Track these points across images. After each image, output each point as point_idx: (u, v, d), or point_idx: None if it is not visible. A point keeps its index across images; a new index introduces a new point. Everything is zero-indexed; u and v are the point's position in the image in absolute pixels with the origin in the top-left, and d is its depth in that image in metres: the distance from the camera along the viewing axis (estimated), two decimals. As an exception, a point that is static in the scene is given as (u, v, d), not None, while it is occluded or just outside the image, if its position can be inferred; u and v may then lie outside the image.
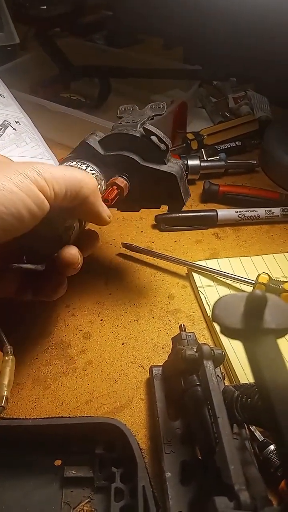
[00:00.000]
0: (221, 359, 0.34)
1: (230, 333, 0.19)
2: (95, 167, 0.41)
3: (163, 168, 0.41)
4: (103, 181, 0.41)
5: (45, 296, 0.38)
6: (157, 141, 0.40)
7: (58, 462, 0.33)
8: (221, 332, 0.20)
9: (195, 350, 0.35)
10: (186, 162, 0.64)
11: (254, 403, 0.31)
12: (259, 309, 0.19)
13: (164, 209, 0.48)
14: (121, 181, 0.41)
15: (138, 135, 0.41)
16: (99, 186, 0.40)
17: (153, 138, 0.40)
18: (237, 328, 0.19)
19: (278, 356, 0.19)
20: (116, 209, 0.48)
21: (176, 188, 0.42)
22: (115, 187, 0.40)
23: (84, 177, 0.34)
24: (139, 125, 0.41)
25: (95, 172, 0.41)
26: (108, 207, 0.38)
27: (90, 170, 0.40)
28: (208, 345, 0.34)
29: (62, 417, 0.33)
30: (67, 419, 0.33)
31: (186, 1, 0.94)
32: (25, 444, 0.33)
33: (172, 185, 0.42)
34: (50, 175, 0.31)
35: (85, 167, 0.40)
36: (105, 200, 0.39)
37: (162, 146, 0.40)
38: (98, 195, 0.36)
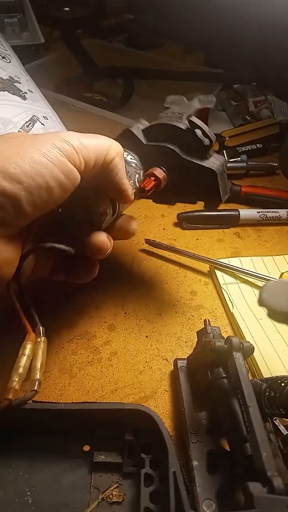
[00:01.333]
0: (250, 352, 0.34)
1: (279, 317, 0.20)
2: (135, 156, 0.41)
3: (205, 163, 0.40)
4: (141, 171, 0.41)
5: (77, 278, 0.39)
6: (201, 135, 0.39)
7: (86, 448, 0.33)
8: (269, 315, 0.20)
9: (223, 342, 0.35)
10: (208, 162, 0.64)
11: (285, 394, 0.31)
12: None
13: (199, 205, 0.47)
14: (159, 172, 0.41)
15: (183, 127, 0.40)
16: (137, 175, 0.40)
17: (197, 131, 0.40)
18: (285, 312, 0.20)
19: None
20: (152, 200, 0.48)
21: (215, 185, 0.41)
22: (153, 178, 0.40)
23: (110, 141, 0.34)
24: (184, 116, 0.41)
25: (135, 161, 0.40)
26: (144, 198, 0.39)
27: (131, 158, 0.40)
28: (237, 338, 0.34)
29: (93, 402, 0.34)
30: (98, 404, 0.33)
31: (206, 5, 0.96)
32: (56, 429, 0.33)
33: (211, 182, 0.41)
34: (78, 143, 0.30)
35: (126, 155, 0.40)
36: (141, 190, 0.39)
37: (206, 141, 0.39)
38: (123, 161, 0.35)
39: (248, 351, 0.34)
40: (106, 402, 0.34)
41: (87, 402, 0.34)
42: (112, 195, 0.36)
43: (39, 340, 0.32)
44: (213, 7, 0.94)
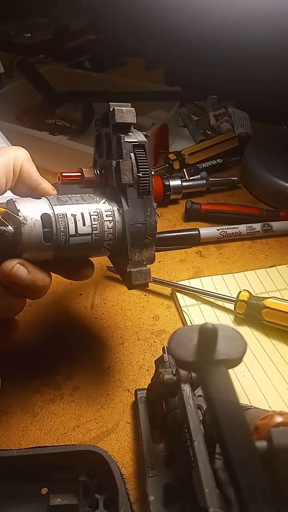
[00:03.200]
0: (198, 383, 0.35)
1: (185, 365, 0.20)
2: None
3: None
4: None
5: None
6: None
7: (44, 490, 0.34)
8: (176, 364, 0.21)
9: (174, 373, 0.36)
10: (168, 183, 0.65)
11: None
12: (211, 341, 0.20)
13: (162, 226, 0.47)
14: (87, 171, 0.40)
15: None
16: None
17: None
18: (190, 361, 0.20)
19: (229, 387, 0.20)
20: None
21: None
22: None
23: (11, 152, 0.35)
24: None
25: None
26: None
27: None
28: (186, 369, 0.35)
29: (45, 446, 0.34)
30: (50, 448, 0.33)
31: (164, 22, 0.97)
32: (10, 474, 0.33)
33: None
34: None
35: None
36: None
37: None
38: (32, 163, 0.36)
39: (197, 382, 0.35)
40: (59, 446, 0.34)
41: (39, 447, 0.34)
42: (30, 193, 0.37)
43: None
44: (171, 23, 0.95)
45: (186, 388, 0.34)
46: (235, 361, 0.20)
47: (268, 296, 0.47)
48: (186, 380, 0.34)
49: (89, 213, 0.35)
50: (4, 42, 1.18)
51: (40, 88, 0.87)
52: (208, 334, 0.20)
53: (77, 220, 0.34)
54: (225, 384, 0.20)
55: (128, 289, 0.41)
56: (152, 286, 0.54)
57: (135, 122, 0.36)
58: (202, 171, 0.70)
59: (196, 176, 0.70)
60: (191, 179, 0.69)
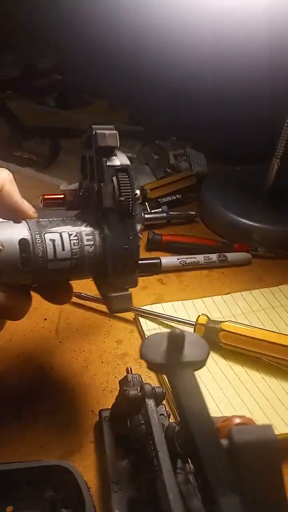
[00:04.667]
0: (162, 397, 0.37)
1: (155, 367, 0.23)
2: None
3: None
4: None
5: None
6: None
7: (9, 509, 0.34)
8: (148, 367, 0.23)
9: (138, 390, 0.38)
10: (131, 214, 0.69)
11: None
12: (178, 344, 0.23)
13: None
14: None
15: None
16: None
17: None
18: (160, 363, 0.22)
19: (195, 386, 0.22)
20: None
21: None
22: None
23: None
24: None
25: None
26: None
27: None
28: (150, 384, 0.37)
29: (10, 462, 0.34)
30: (16, 464, 0.34)
31: (129, 65, 1.04)
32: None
33: None
34: None
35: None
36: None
37: None
38: (14, 185, 0.36)
39: (160, 395, 0.37)
40: (25, 461, 0.35)
41: (4, 463, 0.34)
42: (12, 215, 0.36)
43: None
44: (136, 66, 1.02)
45: (150, 403, 0.36)
46: (200, 363, 0.23)
47: (224, 320, 0.50)
48: (150, 395, 0.36)
49: (69, 238, 0.35)
50: None
51: (9, 122, 0.89)
52: (176, 339, 0.23)
53: (56, 245, 0.34)
54: (191, 384, 0.22)
55: (110, 313, 0.41)
56: (115, 311, 0.56)
57: (118, 146, 0.36)
58: (163, 205, 0.75)
59: (157, 210, 0.74)
60: (153, 212, 0.73)
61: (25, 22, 1.28)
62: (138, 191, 0.38)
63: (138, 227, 0.38)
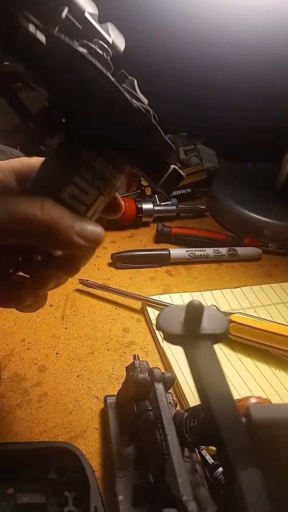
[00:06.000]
0: (171, 382, 0.36)
1: (172, 338, 0.22)
2: None
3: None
4: None
5: (24, 308, 0.33)
6: None
7: (10, 491, 0.33)
8: (164, 338, 0.22)
9: (147, 375, 0.37)
10: (141, 205, 0.68)
11: (201, 420, 0.33)
12: (197, 316, 0.22)
13: (121, 247, 0.49)
14: None
15: None
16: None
17: None
18: (178, 334, 0.22)
19: (214, 359, 0.21)
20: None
21: None
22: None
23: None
24: None
25: None
26: None
27: None
28: (159, 369, 0.36)
29: (15, 442, 0.33)
30: (21, 444, 0.33)
31: (139, 58, 1.03)
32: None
33: None
34: None
35: None
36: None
37: None
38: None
39: (169, 381, 0.36)
40: (30, 442, 0.34)
41: (9, 443, 0.33)
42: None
43: None
44: (147, 58, 1.02)
45: (159, 387, 0.35)
46: (220, 336, 0.22)
47: (234, 312, 0.49)
48: (159, 379, 0.35)
49: None
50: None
51: (18, 111, 0.89)
52: (194, 310, 0.22)
53: None
54: (210, 357, 0.21)
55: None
56: (122, 300, 0.55)
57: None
58: (173, 198, 0.74)
59: (167, 202, 0.73)
60: (162, 204, 0.72)
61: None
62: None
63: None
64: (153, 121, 0.26)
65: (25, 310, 0.33)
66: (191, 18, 0.85)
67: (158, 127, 0.26)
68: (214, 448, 0.40)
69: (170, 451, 0.30)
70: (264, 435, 0.22)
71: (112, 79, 0.23)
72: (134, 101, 0.24)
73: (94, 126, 0.24)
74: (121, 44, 0.28)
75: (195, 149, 0.91)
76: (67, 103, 0.24)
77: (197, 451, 0.37)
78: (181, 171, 0.28)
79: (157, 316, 0.22)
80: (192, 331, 0.22)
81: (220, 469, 0.37)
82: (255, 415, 0.23)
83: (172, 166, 0.27)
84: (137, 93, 0.26)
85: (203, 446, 0.39)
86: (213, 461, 0.38)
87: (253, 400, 0.24)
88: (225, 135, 0.90)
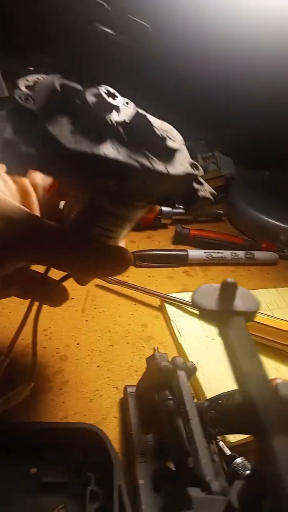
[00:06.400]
0: (193, 371, 0.37)
1: (207, 314, 0.23)
2: None
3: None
4: None
5: (49, 302, 0.38)
6: None
7: (33, 470, 0.33)
8: (200, 314, 0.23)
9: (169, 363, 0.38)
10: (160, 208, 0.70)
11: (224, 410, 0.34)
12: (231, 293, 0.23)
13: (139, 247, 0.50)
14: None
15: None
16: None
17: None
18: (213, 310, 0.23)
19: (247, 334, 0.22)
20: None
21: None
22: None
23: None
24: None
25: None
26: None
27: None
28: (181, 358, 0.37)
29: (40, 422, 0.34)
30: (45, 424, 0.34)
31: (160, 64, 1.06)
32: (3, 451, 0.33)
33: None
34: None
35: None
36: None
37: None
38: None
39: (191, 370, 0.37)
40: (54, 422, 0.35)
41: (33, 422, 0.34)
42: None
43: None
44: (166, 67, 1.04)
45: (182, 374, 0.36)
46: (252, 314, 0.23)
47: (252, 311, 0.50)
48: (182, 367, 0.36)
49: None
50: (8, 73, 1.24)
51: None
52: (229, 288, 0.23)
53: None
54: (243, 332, 0.22)
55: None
56: (141, 296, 0.56)
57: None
58: (191, 202, 0.75)
59: (185, 206, 0.74)
60: (182, 207, 0.73)
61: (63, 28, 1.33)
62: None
63: None
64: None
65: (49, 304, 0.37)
66: (216, 25, 0.88)
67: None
68: (231, 440, 0.41)
69: (193, 434, 0.31)
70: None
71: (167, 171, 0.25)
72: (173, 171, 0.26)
73: (135, 193, 0.26)
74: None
75: (213, 156, 0.93)
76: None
77: (215, 442, 0.38)
78: (209, 195, 0.30)
79: (192, 294, 0.23)
80: (226, 308, 0.23)
81: (238, 459, 0.37)
82: (283, 391, 0.24)
83: (201, 194, 0.29)
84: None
85: (220, 438, 0.40)
86: (230, 452, 0.38)
87: (279, 381, 0.25)
88: (243, 144, 0.91)
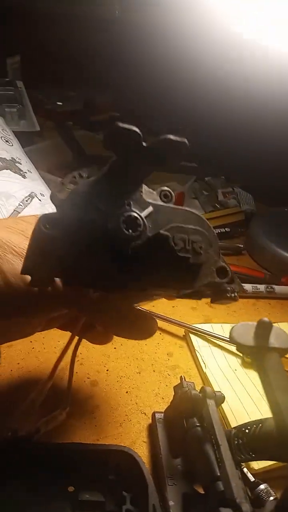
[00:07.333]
0: (221, 400, 0.39)
1: (244, 349, 0.26)
2: None
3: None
4: None
5: (93, 339, 0.42)
6: None
7: (71, 489, 0.36)
8: (237, 349, 0.26)
9: (198, 392, 0.40)
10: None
11: (251, 438, 0.36)
12: (266, 331, 0.26)
13: None
14: None
15: None
16: None
17: None
18: (249, 345, 0.26)
19: (281, 368, 0.25)
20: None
21: None
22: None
23: None
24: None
25: None
26: None
27: None
28: (210, 387, 0.39)
29: (77, 443, 0.37)
30: (82, 445, 0.36)
31: (182, 104, 1.12)
32: (41, 468, 0.36)
33: None
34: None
35: None
36: None
37: None
38: None
39: (220, 399, 0.39)
40: (90, 443, 0.37)
41: (71, 443, 0.37)
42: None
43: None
44: (190, 106, 1.10)
45: (211, 403, 0.38)
46: (286, 350, 0.26)
47: (273, 344, 0.53)
48: (211, 396, 0.39)
49: None
50: (38, 107, 1.32)
51: (73, 148, 0.97)
52: (264, 326, 0.26)
53: None
54: (278, 366, 0.25)
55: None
56: (166, 326, 0.59)
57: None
58: (213, 235, 0.79)
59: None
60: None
61: (88, 64, 1.41)
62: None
63: None
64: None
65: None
66: (236, 61, 0.93)
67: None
68: (255, 467, 0.43)
69: (223, 458, 0.33)
70: None
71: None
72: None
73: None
74: None
75: (233, 191, 0.97)
76: None
77: (239, 469, 0.40)
78: (236, 295, 0.29)
79: (231, 330, 0.27)
80: (261, 344, 0.26)
81: (262, 486, 0.39)
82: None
83: (228, 296, 0.29)
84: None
85: (244, 465, 0.42)
86: (254, 479, 0.40)
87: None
88: (263, 180, 0.95)
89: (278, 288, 0.67)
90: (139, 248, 0.26)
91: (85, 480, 0.36)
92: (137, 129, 0.24)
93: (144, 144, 0.24)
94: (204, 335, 0.57)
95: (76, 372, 0.50)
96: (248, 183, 1.00)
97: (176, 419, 0.42)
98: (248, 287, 0.67)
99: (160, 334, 0.58)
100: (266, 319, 0.26)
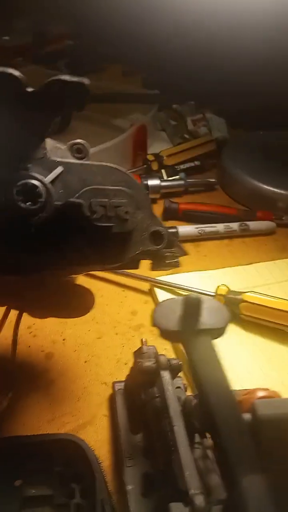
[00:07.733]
0: (178, 369, 0.35)
1: (169, 336, 0.20)
2: None
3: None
4: None
5: None
6: None
7: (18, 482, 0.32)
8: (161, 335, 0.21)
9: (153, 361, 0.35)
10: (146, 182, 0.66)
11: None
12: (195, 311, 0.20)
13: None
14: None
15: None
16: None
17: None
18: (174, 330, 0.20)
19: (214, 356, 0.20)
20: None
21: None
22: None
23: None
24: None
25: None
26: None
27: None
28: (165, 356, 0.34)
29: (20, 436, 0.33)
30: (25, 437, 0.32)
31: (144, 29, 0.99)
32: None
33: None
34: None
35: None
36: None
37: None
38: None
39: (176, 368, 0.34)
40: (34, 435, 0.33)
41: (13, 437, 0.33)
42: None
43: None
44: (150, 30, 0.97)
45: (165, 375, 0.33)
46: (219, 331, 0.20)
47: (246, 291, 0.47)
48: (165, 367, 0.34)
49: None
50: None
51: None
52: (191, 305, 0.20)
53: None
54: (210, 353, 0.20)
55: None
56: (130, 282, 0.54)
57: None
58: (181, 172, 0.71)
59: (175, 177, 0.70)
60: (170, 180, 0.69)
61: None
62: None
63: None
64: None
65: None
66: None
67: None
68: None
69: (176, 442, 0.29)
70: (270, 432, 0.21)
71: None
72: None
73: None
74: None
75: (204, 118, 0.87)
76: None
77: (208, 436, 0.36)
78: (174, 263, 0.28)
79: (154, 311, 0.21)
80: (190, 326, 0.20)
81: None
82: (260, 411, 0.22)
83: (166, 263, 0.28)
84: None
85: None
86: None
87: (260, 394, 0.23)
88: (235, 103, 0.85)
89: (252, 224, 0.61)
90: (46, 223, 0.22)
91: (33, 473, 0.33)
92: (14, 72, 0.20)
93: (28, 89, 0.21)
94: (170, 288, 0.51)
95: (29, 346, 0.46)
96: (221, 107, 0.90)
97: (135, 389, 0.38)
98: (220, 227, 0.60)
99: (124, 291, 0.53)
100: (193, 295, 0.20)
